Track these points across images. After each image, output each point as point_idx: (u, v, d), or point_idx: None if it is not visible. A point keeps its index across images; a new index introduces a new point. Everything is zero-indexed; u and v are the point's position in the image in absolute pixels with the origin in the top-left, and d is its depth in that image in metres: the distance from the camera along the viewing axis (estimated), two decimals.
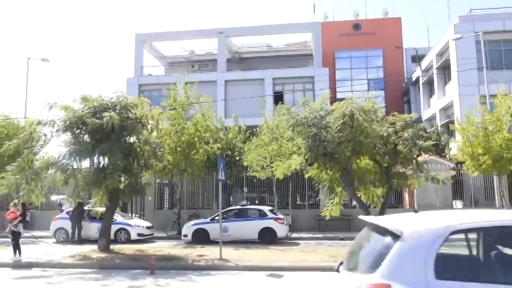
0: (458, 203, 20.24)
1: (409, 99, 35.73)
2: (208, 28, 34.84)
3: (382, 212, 13.35)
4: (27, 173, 13.26)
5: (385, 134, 12.69)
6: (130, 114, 13.83)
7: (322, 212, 14.68)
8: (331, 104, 13.47)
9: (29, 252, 13.55)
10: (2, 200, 20.31)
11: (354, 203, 20.19)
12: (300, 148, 13.86)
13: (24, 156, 13.59)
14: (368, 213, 12.95)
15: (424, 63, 31.46)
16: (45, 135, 14.39)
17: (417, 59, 34.84)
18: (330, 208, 14.30)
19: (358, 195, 13.80)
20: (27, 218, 18.66)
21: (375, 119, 12.65)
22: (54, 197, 22.82)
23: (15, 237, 12.74)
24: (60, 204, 22.27)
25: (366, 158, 13.24)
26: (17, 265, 11.92)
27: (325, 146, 12.11)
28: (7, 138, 18.79)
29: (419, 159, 13.53)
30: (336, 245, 16.01)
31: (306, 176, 14.29)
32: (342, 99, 13.24)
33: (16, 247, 12.67)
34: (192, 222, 17.84)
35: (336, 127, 12.01)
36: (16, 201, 13.04)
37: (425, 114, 30.78)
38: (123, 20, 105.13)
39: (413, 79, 33.90)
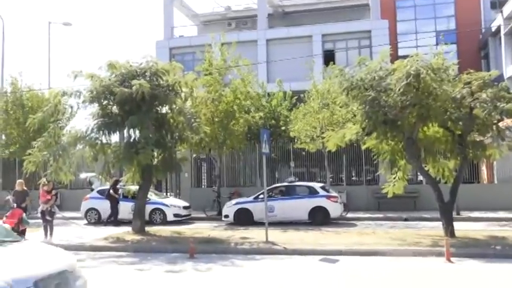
0: None
1: (487, 54, 34.01)
2: None
3: (454, 189, 13.03)
4: (54, 149, 13.81)
5: (458, 96, 12.27)
6: (161, 82, 14.05)
7: (383, 189, 14.51)
8: (392, 62, 13.07)
9: (60, 234, 14.32)
10: (29, 178, 21.51)
11: (420, 178, 19.87)
12: (355, 115, 13.66)
13: (51, 130, 14.14)
14: (437, 190, 12.70)
15: (507, 10, 29.64)
16: (71, 107, 15.06)
17: (498, 4, 32.86)
18: (392, 184, 14.11)
19: (426, 168, 13.52)
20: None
21: (445, 79, 12.21)
22: (83, 175, 23.90)
23: (50, 217, 13.49)
24: (90, 183, 23.37)
25: (434, 124, 12.88)
26: None
27: (386, 111, 11.86)
28: (31, 112, 19.74)
29: (500, 124, 12.96)
30: (399, 227, 15.89)
31: (363, 147, 14.16)
32: (405, 57, 12.84)
33: (49, 228, 13.45)
34: (234, 201, 18.18)
35: (399, 89, 11.69)
36: (45, 179, 13.72)
37: (508, 72, 29.25)
38: None
39: (493, 29, 32.13)
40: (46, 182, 13.73)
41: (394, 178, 14.18)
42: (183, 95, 14.80)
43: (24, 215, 11.70)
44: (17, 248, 5.45)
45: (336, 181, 22.09)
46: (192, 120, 14.12)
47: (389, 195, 14.27)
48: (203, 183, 24.74)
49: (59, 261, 5.28)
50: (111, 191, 17.96)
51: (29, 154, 13.97)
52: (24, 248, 5.60)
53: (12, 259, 4.99)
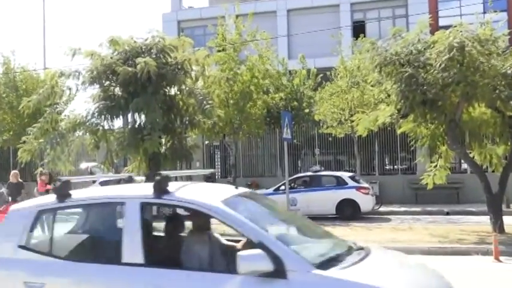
0: None
1: None
2: None
3: (504, 179, 12.87)
4: (52, 135, 13.93)
5: (509, 72, 12.07)
6: (169, 59, 14.06)
7: (421, 179, 14.43)
8: (432, 33, 12.94)
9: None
10: (25, 169, 21.83)
11: (465, 166, 19.66)
12: (389, 95, 13.61)
13: (47, 115, 14.29)
14: (484, 180, 12.56)
15: None
16: (70, 89, 15.07)
17: None
18: (432, 174, 14.03)
19: (471, 155, 13.41)
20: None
21: (494, 52, 12.03)
22: (83, 165, 24.16)
23: None
24: (92, 173, 23.60)
25: (481, 105, 12.75)
26: None
27: (425, 90, 11.74)
28: (26, 95, 19.94)
29: None
30: (440, 222, 15.85)
31: (398, 131, 14.17)
32: (447, 27, 12.74)
33: None
34: None
35: (440, 65, 11.55)
36: (42, 169, 13.91)
37: None
38: None
39: None
40: (43, 171, 13.91)
41: (435, 167, 14.13)
42: (193, 74, 14.77)
43: None
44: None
45: (367, 170, 22.07)
46: (204, 102, 14.07)
47: (429, 186, 14.22)
48: (217, 174, 24.83)
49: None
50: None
51: (24, 142, 14.15)
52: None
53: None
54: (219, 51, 19.38)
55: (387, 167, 23.24)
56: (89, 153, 16.32)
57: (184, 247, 4.59)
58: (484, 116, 13.23)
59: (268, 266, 3.68)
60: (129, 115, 14.52)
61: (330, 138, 21.81)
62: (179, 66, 14.10)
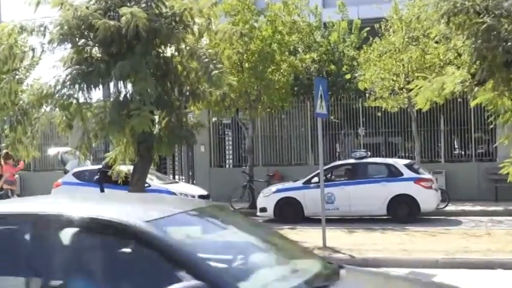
0: None
1: None
2: None
3: None
4: (11, 112, 14.00)
5: None
6: (164, 9, 13.97)
7: (503, 168, 14.29)
8: None
9: None
10: None
11: None
12: (460, 55, 13.85)
13: (4, 85, 14.21)
14: None
15: None
16: (33, 50, 14.76)
17: None
18: None
19: None
20: None
21: None
22: (52, 150, 24.35)
23: None
24: (63, 162, 23.75)
25: None
26: None
27: (509, 48, 11.58)
28: None
29: None
30: None
31: (472, 104, 14.06)
32: None
33: None
34: (274, 187, 18.33)
35: None
36: (7, 150, 14.18)
37: None
38: None
39: None
40: (9, 153, 14.12)
41: None
42: (196, 28, 14.58)
43: None
44: None
45: (429, 156, 21.98)
46: (211, 66, 13.77)
47: (510, 178, 14.07)
48: (228, 161, 25.04)
49: None
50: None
51: None
52: None
53: None
54: None
55: (456, 152, 23.15)
56: (59, 134, 16.39)
57: None
58: None
59: None
60: (112, 84, 14.61)
61: (379, 114, 21.73)
62: (177, 19, 13.99)
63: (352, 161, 18.17)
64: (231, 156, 25.05)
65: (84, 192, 18.85)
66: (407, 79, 18.76)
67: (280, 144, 23.97)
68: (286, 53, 20.06)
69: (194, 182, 23.48)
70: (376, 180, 17.27)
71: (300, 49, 21.29)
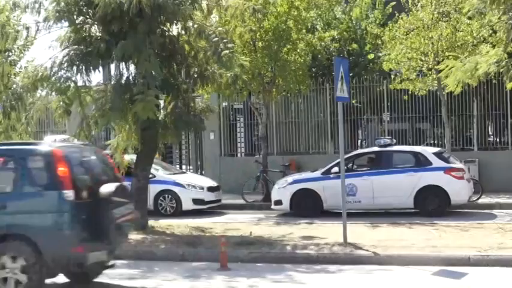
0: None
1: None
2: None
3: None
4: (4, 97, 14.21)
5: None
6: None
7: None
8: None
9: None
10: None
11: None
12: (496, 32, 13.79)
13: None
14: None
15: None
16: (27, 29, 15.06)
17: None
18: None
19: None
20: None
21: None
22: (49, 138, 24.28)
23: None
24: None
25: None
26: None
27: None
28: None
29: None
30: None
31: (508, 86, 14.09)
32: None
33: None
34: (290, 178, 18.36)
35: None
36: None
37: None
38: None
39: None
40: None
41: None
42: (204, 4, 14.72)
43: None
44: None
45: (461, 144, 21.96)
46: (221, 45, 13.91)
47: None
48: (239, 150, 25.00)
49: None
50: None
51: None
52: None
53: None
54: None
55: (491, 139, 23.01)
56: (56, 121, 16.34)
57: None
58: None
59: None
60: (113, 66, 14.71)
61: (406, 97, 21.47)
62: None
63: (375, 149, 18.11)
64: (243, 145, 25.00)
65: None
66: (436, 59, 18.67)
67: (297, 131, 23.89)
68: (304, 30, 19.93)
69: (203, 172, 23.67)
70: (402, 170, 17.20)
71: (318, 26, 21.18)
